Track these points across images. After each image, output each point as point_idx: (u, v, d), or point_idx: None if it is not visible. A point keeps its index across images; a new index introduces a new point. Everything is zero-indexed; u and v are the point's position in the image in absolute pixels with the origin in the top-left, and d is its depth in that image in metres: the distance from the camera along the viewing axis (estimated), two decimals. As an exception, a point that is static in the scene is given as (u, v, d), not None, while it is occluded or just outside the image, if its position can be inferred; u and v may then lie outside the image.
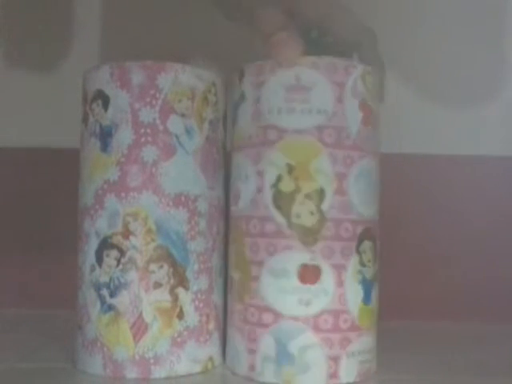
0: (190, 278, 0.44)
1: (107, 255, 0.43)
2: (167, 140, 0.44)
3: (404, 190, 0.67)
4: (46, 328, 0.58)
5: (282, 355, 0.42)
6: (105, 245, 0.44)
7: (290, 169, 0.42)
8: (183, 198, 0.44)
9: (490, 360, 0.51)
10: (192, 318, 0.44)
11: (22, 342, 0.52)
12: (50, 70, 0.69)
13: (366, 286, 0.44)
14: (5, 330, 0.57)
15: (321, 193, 0.42)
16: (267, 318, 0.43)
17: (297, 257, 0.42)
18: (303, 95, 0.43)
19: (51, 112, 0.68)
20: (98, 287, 0.44)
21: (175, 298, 0.44)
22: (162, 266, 0.43)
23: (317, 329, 0.42)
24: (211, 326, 0.46)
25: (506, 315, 0.65)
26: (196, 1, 0.67)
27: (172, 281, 0.43)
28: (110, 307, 0.43)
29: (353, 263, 0.43)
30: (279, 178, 0.42)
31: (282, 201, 0.42)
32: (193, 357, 0.44)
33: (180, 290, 0.44)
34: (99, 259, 0.44)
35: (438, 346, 0.55)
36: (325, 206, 0.42)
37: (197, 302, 0.45)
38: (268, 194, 0.43)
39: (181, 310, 0.44)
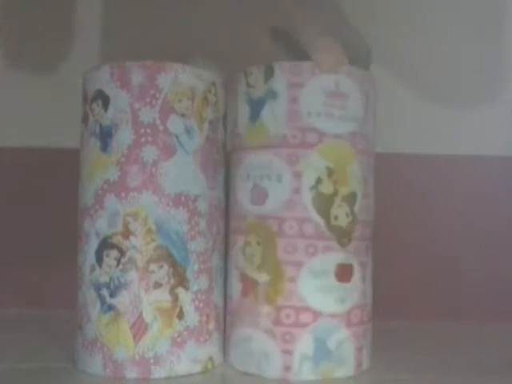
0: (190, 278, 0.44)
1: (107, 255, 0.43)
2: (167, 140, 0.44)
3: (404, 189, 0.67)
4: (46, 328, 0.58)
5: (321, 352, 0.43)
6: (105, 245, 0.44)
7: (330, 172, 0.44)
8: (183, 198, 0.44)
9: (489, 360, 0.51)
10: (192, 318, 0.44)
11: (22, 342, 0.52)
12: (50, 70, 0.69)
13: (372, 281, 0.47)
14: (5, 329, 0.57)
15: (354, 196, 0.45)
16: (306, 317, 0.43)
17: (334, 257, 0.44)
18: (342, 102, 0.44)
19: (51, 112, 0.68)
20: (98, 287, 0.44)
21: (175, 298, 0.44)
22: (162, 266, 0.43)
23: (349, 324, 0.44)
24: (211, 326, 0.46)
25: (506, 315, 0.65)
26: (196, 1, 0.67)
27: (172, 281, 0.43)
28: (110, 307, 0.43)
29: (370, 261, 0.46)
30: (319, 181, 0.43)
31: (322, 203, 0.44)
32: (193, 357, 0.44)
33: (180, 290, 0.44)
34: (99, 259, 0.44)
35: (437, 345, 0.55)
36: (356, 208, 0.45)
37: (197, 302, 0.45)
38: (307, 196, 0.43)
39: (181, 310, 0.44)
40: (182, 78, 0.44)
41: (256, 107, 0.45)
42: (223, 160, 0.48)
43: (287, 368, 0.43)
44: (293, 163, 0.43)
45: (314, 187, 0.43)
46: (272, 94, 0.44)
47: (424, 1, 0.68)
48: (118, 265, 0.43)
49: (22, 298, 0.66)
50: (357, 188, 0.45)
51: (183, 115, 0.44)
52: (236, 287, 0.46)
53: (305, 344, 0.43)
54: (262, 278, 0.44)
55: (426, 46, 0.67)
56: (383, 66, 0.65)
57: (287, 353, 0.43)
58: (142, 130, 0.43)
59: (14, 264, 0.67)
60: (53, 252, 0.66)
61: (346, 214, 0.44)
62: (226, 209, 0.48)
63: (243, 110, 0.46)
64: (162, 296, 0.43)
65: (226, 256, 0.48)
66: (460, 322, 0.64)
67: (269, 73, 0.45)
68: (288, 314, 0.43)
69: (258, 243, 0.44)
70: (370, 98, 0.46)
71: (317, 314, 0.43)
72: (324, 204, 0.43)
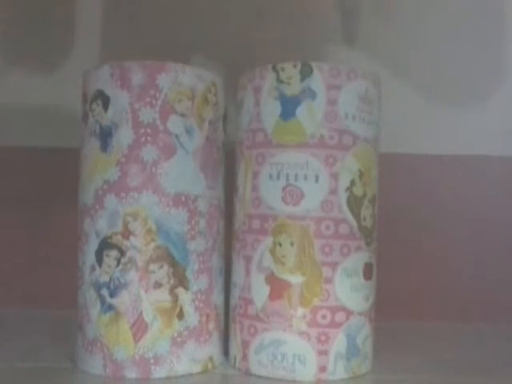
0: (190, 278, 0.44)
1: (107, 255, 0.43)
2: (167, 140, 0.44)
3: (404, 189, 0.67)
4: (46, 328, 0.58)
5: (351, 350, 0.44)
6: (105, 245, 0.43)
7: (361, 174, 0.45)
8: (183, 198, 0.44)
9: (488, 360, 0.51)
10: (192, 318, 0.44)
11: (22, 341, 0.52)
12: (50, 70, 0.69)
13: None
14: (5, 329, 0.57)
15: (375, 198, 0.47)
16: (340, 317, 0.44)
17: (363, 256, 0.45)
18: (370, 107, 0.46)
19: (51, 112, 0.68)
20: (98, 287, 0.44)
21: (175, 298, 0.44)
22: (162, 266, 0.43)
23: (370, 320, 0.46)
24: (211, 325, 0.46)
25: (505, 315, 0.65)
26: (196, 1, 0.67)
27: (172, 281, 0.43)
28: (110, 307, 0.43)
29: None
30: (353, 182, 0.44)
31: (354, 204, 0.45)
32: (193, 357, 0.44)
33: (180, 290, 0.44)
34: (99, 259, 0.44)
35: (436, 345, 0.55)
36: (375, 210, 0.47)
37: (197, 302, 0.45)
38: (342, 197, 0.44)
39: (181, 310, 0.44)
40: (182, 78, 0.44)
41: (290, 104, 0.44)
42: (223, 160, 0.48)
43: (322, 368, 0.44)
44: (331, 164, 0.44)
45: (349, 189, 0.44)
46: (310, 93, 0.44)
47: (425, 3, 0.68)
48: (117, 265, 0.43)
49: (22, 297, 0.66)
50: (376, 190, 0.47)
51: (183, 115, 0.44)
52: (261, 290, 0.44)
53: (339, 343, 0.44)
54: (297, 279, 0.44)
55: (426, 47, 0.67)
56: (383, 67, 0.65)
57: (323, 353, 0.44)
58: (142, 130, 0.43)
59: (14, 264, 0.67)
60: (53, 252, 0.66)
61: (370, 215, 0.46)
62: (226, 208, 0.48)
63: (272, 106, 0.45)
64: (162, 296, 0.43)
65: (226, 256, 0.48)
66: (460, 322, 0.64)
67: (306, 71, 0.44)
68: (324, 314, 0.43)
69: (292, 244, 0.44)
70: (381, 103, 0.48)
71: (349, 313, 0.44)
72: (356, 205, 0.45)
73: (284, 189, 0.44)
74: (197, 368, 0.45)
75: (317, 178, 0.44)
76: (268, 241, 0.44)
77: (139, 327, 0.43)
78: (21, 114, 0.68)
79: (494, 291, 0.66)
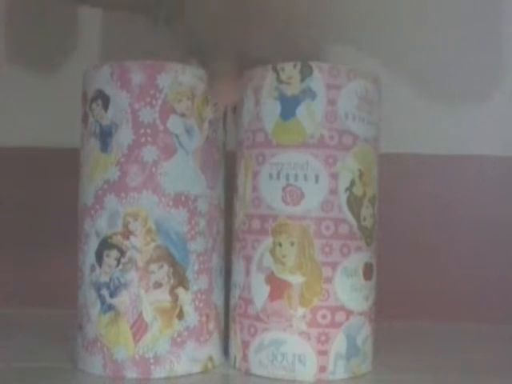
0: (190, 278, 0.44)
1: (107, 255, 0.43)
2: (167, 140, 0.44)
3: (404, 189, 0.67)
4: (46, 328, 0.58)
5: (351, 350, 0.44)
6: (105, 245, 0.44)
7: (361, 174, 0.45)
8: (183, 198, 0.44)
9: (489, 360, 0.51)
10: (192, 317, 0.44)
11: (22, 341, 0.52)
12: (50, 69, 0.69)
13: None
14: (5, 329, 0.57)
15: (375, 198, 0.47)
16: (340, 317, 0.44)
17: (363, 256, 0.45)
18: (370, 107, 0.46)
19: (51, 112, 0.68)
20: (98, 287, 0.44)
21: (175, 298, 0.44)
22: (162, 266, 0.43)
23: (370, 320, 0.46)
24: (211, 325, 0.46)
25: (506, 315, 0.65)
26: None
27: (172, 281, 0.43)
28: (110, 307, 0.43)
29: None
30: (353, 183, 0.44)
31: (354, 204, 0.45)
32: (193, 357, 0.44)
33: (180, 290, 0.44)
34: (99, 259, 0.44)
35: (436, 346, 0.55)
36: (375, 210, 0.47)
37: (197, 302, 0.45)
38: (342, 197, 0.44)
39: (181, 310, 0.44)
40: (182, 78, 0.44)
41: (290, 104, 0.44)
42: (223, 160, 0.48)
43: (322, 368, 0.44)
44: (331, 165, 0.44)
45: (349, 189, 0.44)
46: (310, 93, 0.44)
47: (425, 2, 0.68)
48: (118, 265, 0.43)
49: (22, 298, 0.66)
50: (376, 190, 0.47)
51: (183, 115, 0.44)
52: (261, 290, 0.44)
53: (339, 343, 0.44)
54: (297, 279, 0.43)
55: (426, 47, 0.68)
56: (383, 66, 0.65)
57: (322, 353, 0.44)
58: (142, 130, 0.43)
59: (14, 264, 0.67)
60: (53, 252, 0.66)
61: (371, 215, 0.46)
62: (226, 209, 0.48)
63: (272, 106, 0.45)
64: (162, 296, 0.43)
65: (226, 256, 0.48)
66: (460, 321, 0.64)
67: (306, 71, 0.44)
68: (324, 314, 0.43)
69: (292, 244, 0.44)
70: (380, 104, 0.47)
71: (349, 313, 0.44)
72: (356, 205, 0.45)
73: (284, 189, 0.44)
74: (197, 368, 0.45)
75: (317, 178, 0.44)
76: (268, 241, 0.44)
77: (139, 327, 0.43)
78: (21, 114, 0.68)
79: (494, 291, 0.66)
